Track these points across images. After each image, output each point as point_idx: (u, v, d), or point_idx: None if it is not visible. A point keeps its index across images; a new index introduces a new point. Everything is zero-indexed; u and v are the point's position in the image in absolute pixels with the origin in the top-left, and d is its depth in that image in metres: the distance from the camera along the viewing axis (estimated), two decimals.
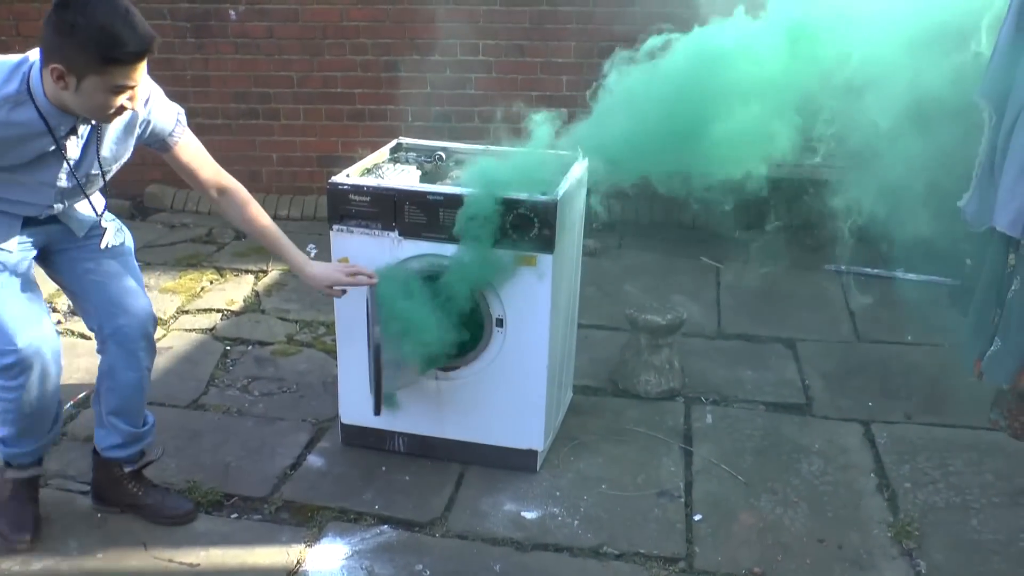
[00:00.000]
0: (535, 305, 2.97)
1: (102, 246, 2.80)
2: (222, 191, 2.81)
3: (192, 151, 2.73)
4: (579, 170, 3.16)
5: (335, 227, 3.05)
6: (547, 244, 2.87)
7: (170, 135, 2.66)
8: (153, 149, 2.71)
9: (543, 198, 2.85)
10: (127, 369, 2.82)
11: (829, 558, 2.83)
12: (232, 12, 5.55)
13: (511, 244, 2.88)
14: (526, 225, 2.84)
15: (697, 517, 3.01)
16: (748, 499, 3.10)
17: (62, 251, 2.80)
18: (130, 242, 2.95)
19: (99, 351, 2.85)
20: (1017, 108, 2.53)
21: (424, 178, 3.26)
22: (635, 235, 5.38)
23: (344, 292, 3.00)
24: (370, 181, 3.05)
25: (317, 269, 2.96)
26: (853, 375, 3.89)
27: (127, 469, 2.96)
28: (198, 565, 2.78)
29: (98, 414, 2.93)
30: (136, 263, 2.94)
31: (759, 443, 3.42)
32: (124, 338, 2.78)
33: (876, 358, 4.04)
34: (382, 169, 3.23)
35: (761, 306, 4.50)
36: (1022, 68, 2.53)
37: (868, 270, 4.88)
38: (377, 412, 3.04)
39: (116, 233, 2.86)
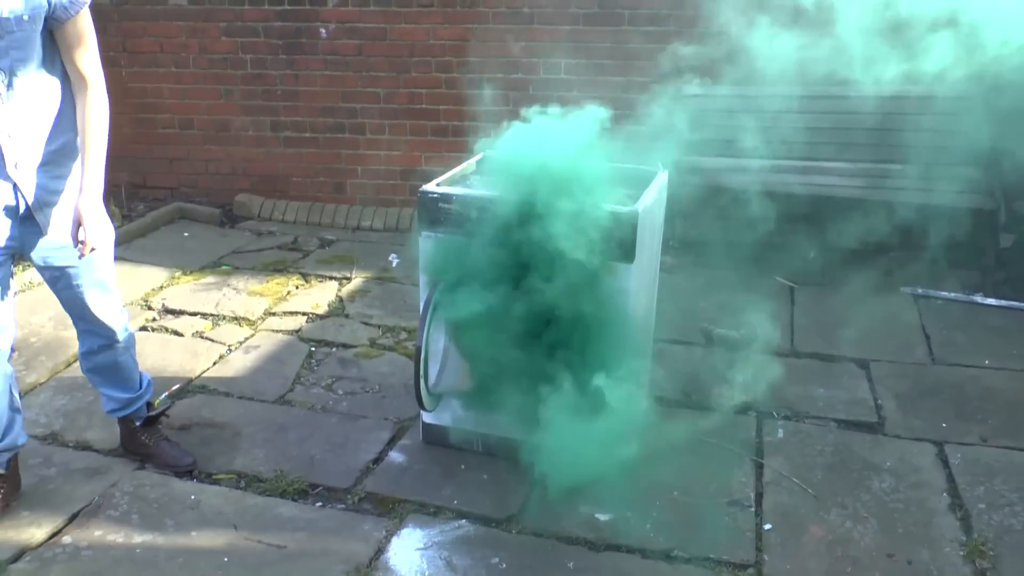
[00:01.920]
0: (614, 313, 3.06)
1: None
2: (83, 85, 2.78)
3: (82, 26, 2.74)
4: (660, 183, 3.25)
5: (424, 234, 3.19)
6: (627, 254, 2.97)
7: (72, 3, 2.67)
8: (54, 15, 2.66)
9: (625, 208, 2.95)
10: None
11: (898, 573, 2.86)
12: (323, 30, 5.80)
13: (591, 252, 2.98)
14: (607, 235, 2.95)
15: (767, 526, 3.06)
16: (818, 512, 3.14)
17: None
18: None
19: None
20: None
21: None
22: (710, 253, 5.43)
23: (80, 240, 2.80)
24: (459, 190, 3.19)
25: (86, 200, 2.79)
26: (927, 396, 3.89)
27: (137, 423, 3.37)
28: (285, 547, 2.93)
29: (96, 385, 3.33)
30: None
31: (830, 459, 3.45)
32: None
33: (952, 381, 4.03)
34: (469, 180, 3.37)
35: (834, 326, 4.52)
36: None
37: (945, 294, 4.86)
38: (422, 407, 3.28)
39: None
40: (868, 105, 4.66)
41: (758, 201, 4.93)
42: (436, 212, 3.14)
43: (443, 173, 3.40)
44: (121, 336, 3.14)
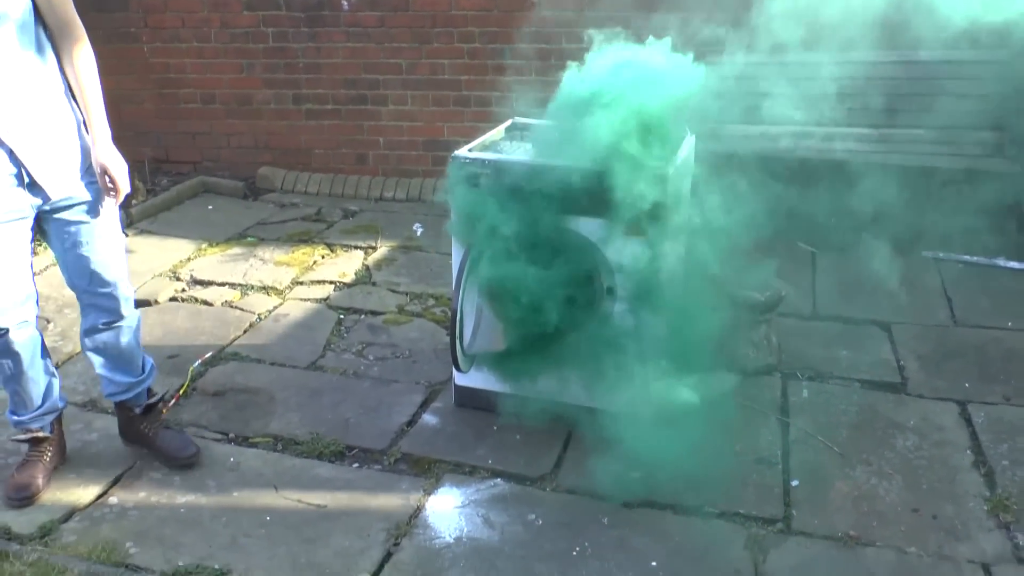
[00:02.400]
0: (644, 275, 3.12)
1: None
2: (67, 36, 2.76)
3: None
4: (688, 147, 3.29)
5: (456, 196, 3.24)
6: (658, 216, 3.02)
7: None
8: None
9: (655, 171, 3.00)
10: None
11: (923, 527, 2.92)
12: (345, 3, 5.82)
13: (623, 215, 3.03)
14: (638, 197, 2.99)
15: (794, 483, 3.13)
16: (843, 469, 3.20)
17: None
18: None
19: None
20: None
21: (538, 152, 3.43)
22: (732, 219, 5.46)
23: (112, 187, 2.85)
24: (490, 155, 3.24)
25: (102, 150, 2.82)
26: (950, 358, 3.94)
27: (137, 411, 3.24)
28: (325, 506, 3.02)
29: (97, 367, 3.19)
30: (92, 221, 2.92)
31: (854, 418, 3.51)
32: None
33: (974, 342, 4.07)
34: (500, 145, 3.42)
35: (856, 290, 4.56)
36: None
37: (967, 257, 4.89)
38: (458, 369, 3.32)
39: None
40: (889, 70, 4.68)
41: (778, 167, 4.95)
42: (469, 177, 3.19)
43: (465, 143, 3.44)
44: (127, 312, 3.07)
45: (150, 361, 3.29)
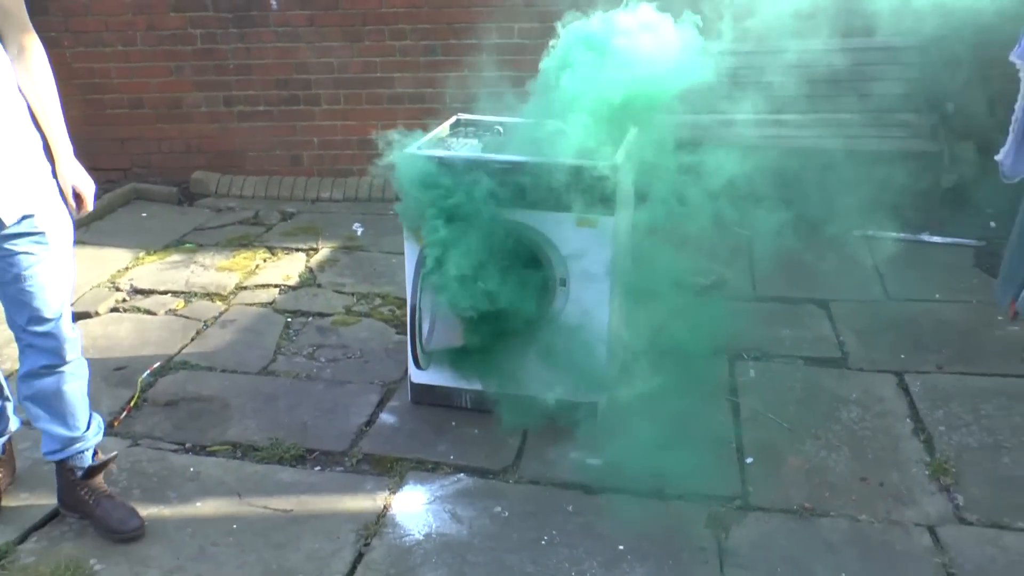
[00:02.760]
0: (596, 266, 3.19)
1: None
2: (21, 49, 2.66)
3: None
4: (632, 137, 3.36)
5: (404, 196, 3.26)
6: (607, 207, 3.09)
7: None
8: None
9: (604, 163, 3.06)
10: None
11: (872, 494, 3.06)
12: (273, 2, 5.76)
13: (573, 208, 3.09)
14: (588, 189, 3.06)
15: (749, 460, 3.24)
16: (794, 444, 3.33)
17: None
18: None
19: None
20: None
21: (485, 150, 3.47)
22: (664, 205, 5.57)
23: (80, 204, 2.78)
24: (440, 152, 3.26)
25: (69, 167, 2.74)
26: (885, 331, 4.10)
27: (78, 474, 2.90)
28: (291, 511, 3.01)
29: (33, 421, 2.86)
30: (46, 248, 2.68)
31: (800, 394, 3.64)
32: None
33: (906, 315, 4.25)
34: (447, 142, 3.44)
35: (793, 270, 4.71)
36: None
37: (895, 234, 5.09)
38: (418, 366, 3.35)
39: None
40: (819, 58, 4.82)
41: (713, 154, 5.08)
42: (421, 173, 3.21)
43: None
44: (71, 356, 2.75)
45: (98, 418, 2.97)
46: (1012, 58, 2.92)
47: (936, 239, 5.05)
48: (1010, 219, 3.44)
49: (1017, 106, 2.94)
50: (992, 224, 5.17)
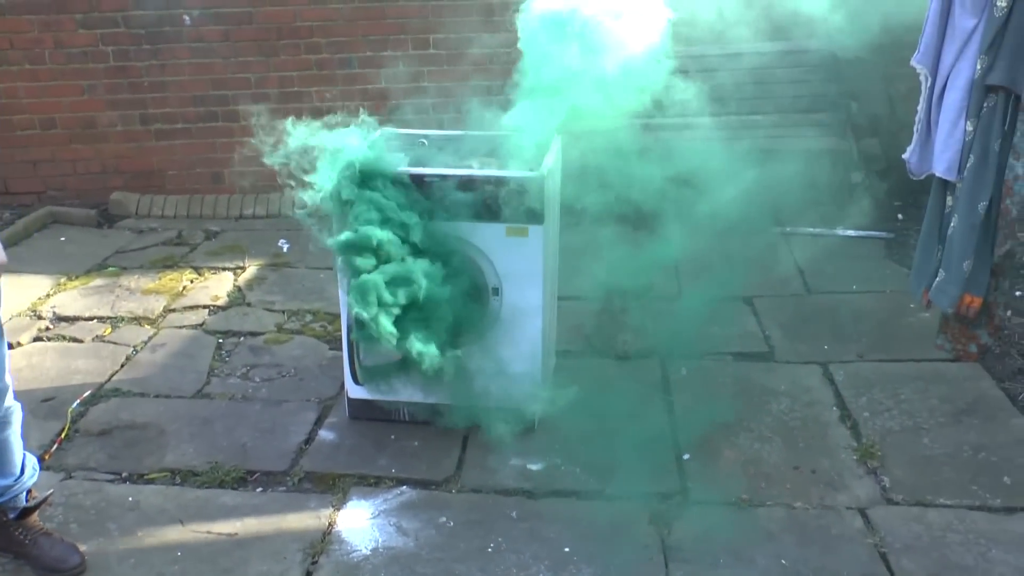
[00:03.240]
0: (528, 274, 3.25)
1: None
2: None
3: None
4: (557, 147, 3.43)
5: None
6: (537, 217, 3.15)
7: None
8: None
9: (531, 174, 3.12)
10: None
11: (805, 482, 3.18)
12: (186, 17, 5.67)
13: (503, 218, 3.14)
14: (517, 199, 3.11)
15: (686, 456, 3.33)
16: (728, 438, 3.44)
17: None
18: None
19: None
20: (946, 71, 2.90)
21: (412, 162, 3.49)
22: (587, 213, 5.66)
23: None
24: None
25: None
26: (808, 324, 4.26)
27: (11, 516, 2.84)
28: (236, 534, 2.99)
29: None
30: None
31: (731, 389, 3.76)
32: None
33: (826, 307, 4.42)
34: None
35: (716, 268, 4.84)
36: (948, 37, 2.89)
37: (811, 229, 5.27)
38: (356, 381, 3.37)
39: None
40: (730, 62, 4.98)
41: (633, 158, 5.19)
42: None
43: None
44: (6, 403, 2.71)
45: (32, 460, 2.91)
46: (913, 63, 3.08)
47: (850, 232, 5.25)
48: (916, 212, 3.62)
49: (919, 107, 3.09)
50: (900, 217, 5.40)
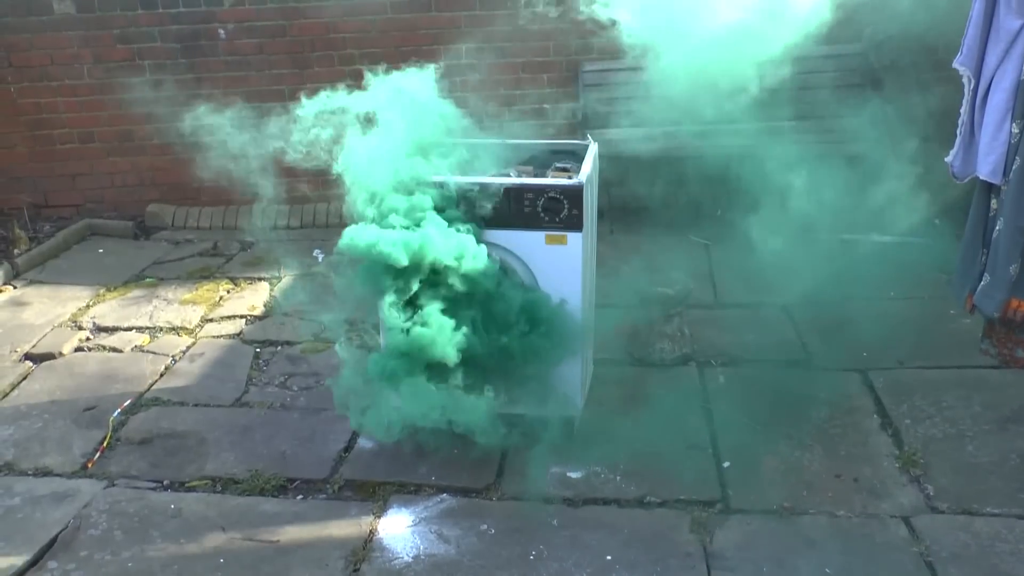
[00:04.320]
0: (567, 282, 3.24)
1: None
2: None
3: None
4: (593, 155, 3.43)
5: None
6: (576, 224, 3.15)
7: None
8: None
9: (570, 182, 3.12)
10: None
11: (848, 490, 3.15)
12: (222, 31, 5.74)
13: (543, 226, 3.15)
14: (556, 207, 3.11)
15: (726, 464, 3.31)
16: (768, 446, 3.41)
17: None
18: None
19: None
20: (990, 73, 2.88)
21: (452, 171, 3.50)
22: (623, 220, 5.67)
23: None
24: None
25: None
26: (845, 330, 4.21)
27: None
28: (278, 541, 3.01)
29: None
30: None
31: (770, 396, 3.73)
32: None
33: (864, 314, 4.37)
34: None
35: (752, 276, 4.82)
36: (992, 38, 2.87)
37: (845, 235, 5.23)
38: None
39: None
40: (763, 67, 4.94)
41: (664, 167, 5.18)
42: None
43: None
44: None
45: None
46: (955, 64, 3.05)
47: (885, 238, 5.20)
48: (955, 217, 3.58)
49: (962, 110, 3.06)
50: (936, 222, 5.33)
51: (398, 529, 3.04)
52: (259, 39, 5.78)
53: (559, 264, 3.23)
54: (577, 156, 3.48)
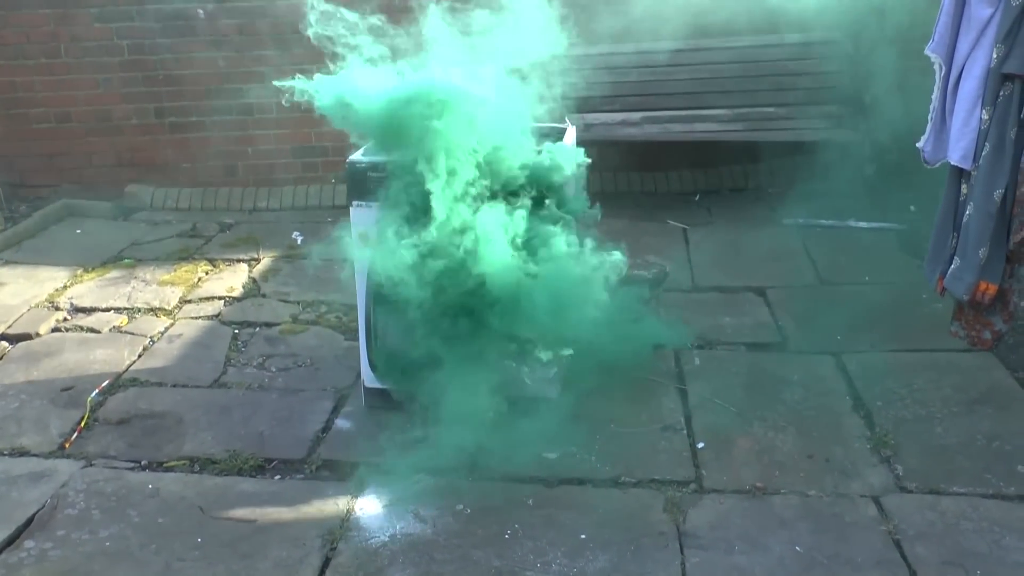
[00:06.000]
0: None
1: None
2: None
3: None
4: (572, 137, 3.45)
5: (355, 203, 3.30)
6: (561, 202, 3.18)
7: None
8: None
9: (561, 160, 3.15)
10: None
11: (819, 470, 3.20)
12: (200, 11, 5.71)
13: (536, 206, 3.18)
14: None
15: (700, 445, 3.35)
16: (742, 427, 3.45)
17: None
18: None
19: None
20: (961, 60, 2.91)
21: None
22: (603, 204, 5.68)
23: None
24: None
25: None
26: (820, 314, 4.27)
27: None
28: (255, 521, 3.02)
29: None
30: None
31: (745, 379, 3.78)
32: None
33: (839, 298, 4.43)
34: None
35: (729, 260, 4.86)
36: (964, 26, 2.91)
37: (823, 221, 5.29)
38: (375, 371, 3.43)
39: None
40: (742, 54, 4.99)
41: (643, 151, 5.22)
42: (366, 182, 3.24)
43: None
44: None
45: None
46: (927, 52, 3.09)
47: (862, 224, 5.26)
48: (928, 203, 3.63)
49: (934, 96, 3.11)
50: (912, 208, 5.40)
51: (375, 509, 3.07)
52: (239, 20, 5.75)
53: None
54: (556, 137, 3.49)
